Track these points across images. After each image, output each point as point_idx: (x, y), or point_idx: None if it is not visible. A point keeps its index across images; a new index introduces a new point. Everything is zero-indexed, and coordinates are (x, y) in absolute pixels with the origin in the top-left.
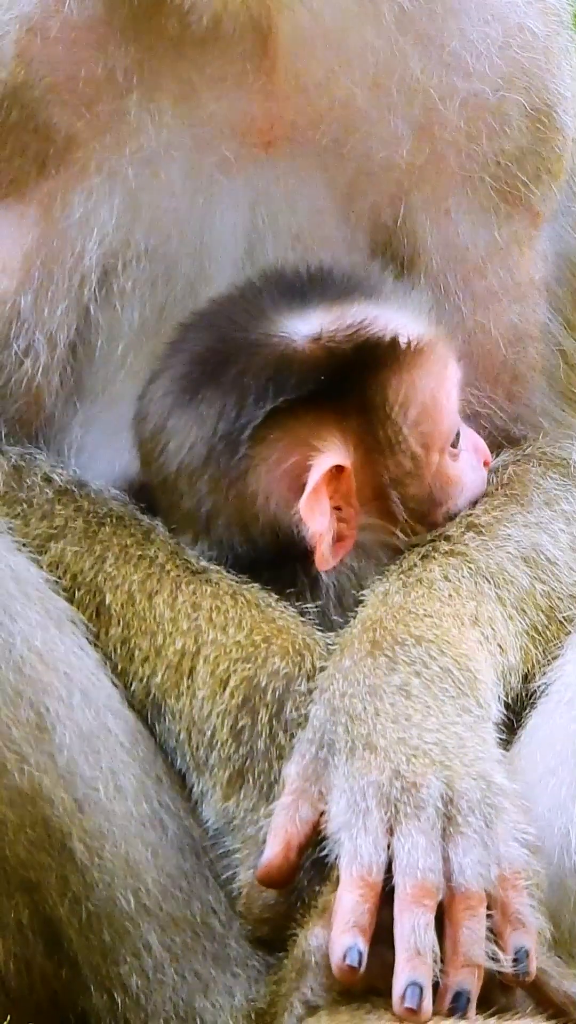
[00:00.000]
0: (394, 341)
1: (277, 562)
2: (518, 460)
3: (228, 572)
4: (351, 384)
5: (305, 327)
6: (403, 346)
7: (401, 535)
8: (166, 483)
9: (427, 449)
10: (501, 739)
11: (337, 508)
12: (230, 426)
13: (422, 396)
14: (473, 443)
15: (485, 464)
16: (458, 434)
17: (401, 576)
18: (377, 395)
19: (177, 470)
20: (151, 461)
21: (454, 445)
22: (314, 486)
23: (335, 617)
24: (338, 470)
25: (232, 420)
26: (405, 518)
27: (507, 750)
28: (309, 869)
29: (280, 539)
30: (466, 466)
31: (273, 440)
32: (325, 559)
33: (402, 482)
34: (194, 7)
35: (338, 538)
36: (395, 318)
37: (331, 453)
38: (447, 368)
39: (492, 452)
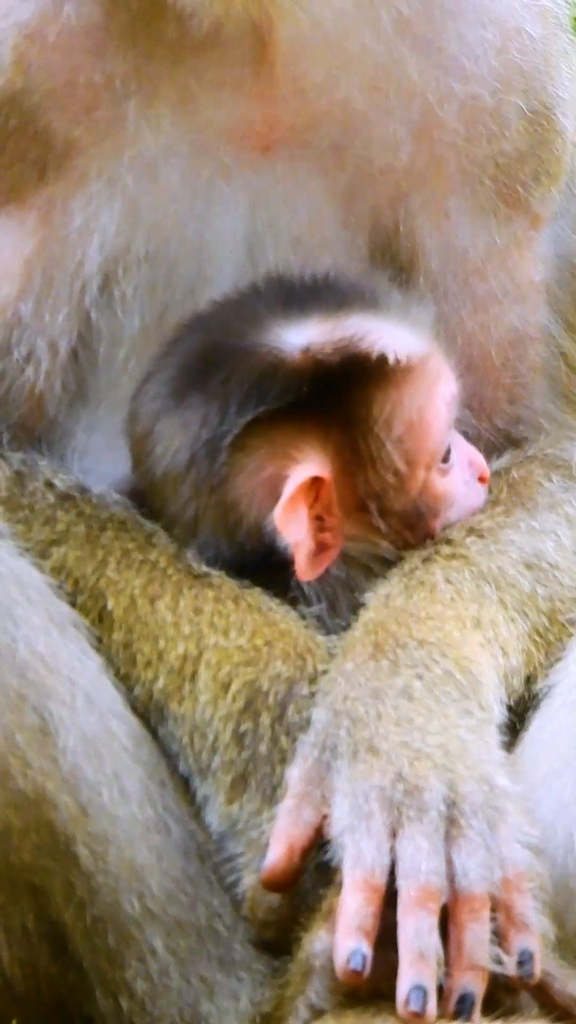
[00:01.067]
0: (382, 357)
1: (267, 568)
2: (520, 463)
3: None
4: (335, 397)
5: (296, 338)
6: (391, 363)
7: (388, 546)
8: (153, 487)
9: (411, 466)
10: (504, 741)
11: (319, 518)
12: (212, 433)
13: (408, 413)
14: (468, 457)
15: (482, 480)
16: (448, 448)
17: (403, 579)
18: (361, 409)
19: (163, 474)
20: (140, 464)
21: (444, 460)
22: (288, 497)
23: (332, 622)
24: (316, 481)
25: (214, 427)
26: (390, 530)
27: (510, 752)
28: (313, 872)
29: (265, 546)
30: (457, 481)
31: (253, 449)
32: (305, 569)
33: (385, 496)
34: (195, 12)
35: (322, 548)
36: (388, 333)
37: (308, 464)
38: (437, 386)
39: (493, 455)
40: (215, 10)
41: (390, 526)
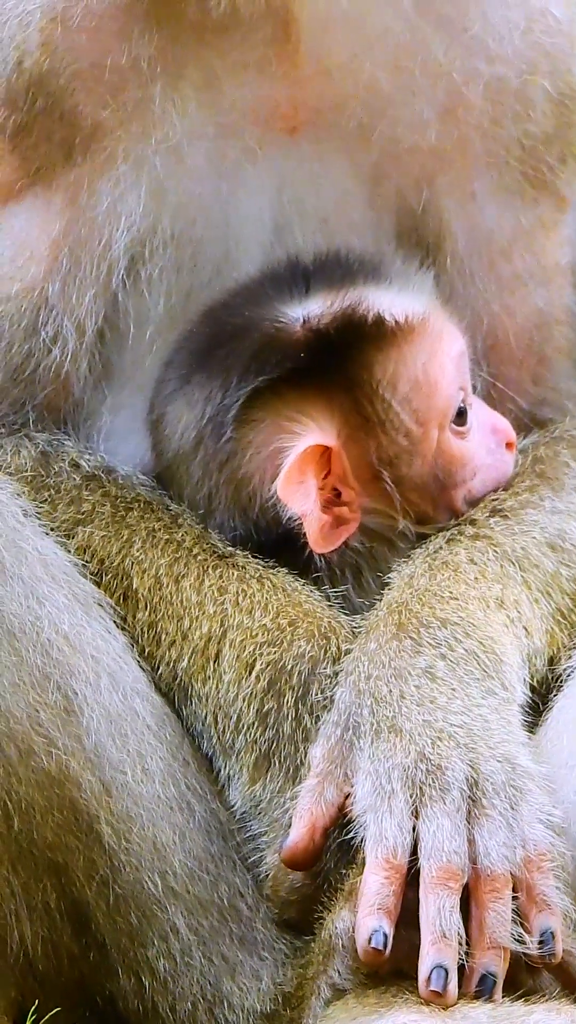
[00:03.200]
0: (378, 319)
1: (291, 547)
2: (547, 442)
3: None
4: (336, 363)
5: (296, 312)
6: (389, 324)
7: (403, 519)
8: (168, 470)
9: (422, 425)
10: (527, 722)
11: (336, 492)
12: (216, 409)
13: (412, 371)
14: (492, 424)
15: (509, 446)
16: (464, 412)
17: (427, 559)
18: (362, 372)
19: (174, 456)
20: (156, 447)
21: (460, 423)
22: (290, 466)
23: (357, 602)
24: (323, 451)
25: (217, 403)
26: (408, 502)
27: (533, 733)
28: (335, 851)
29: (280, 522)
30: (478, 446)
31: (257, 421)
32: (317, 541)
33: (401, 461)
34: None
35: (340, 521)
36: (387, 298)
37: (312, 434)
38: (442, 343)
39: (519, 435)
40: None
41: (408, 498)
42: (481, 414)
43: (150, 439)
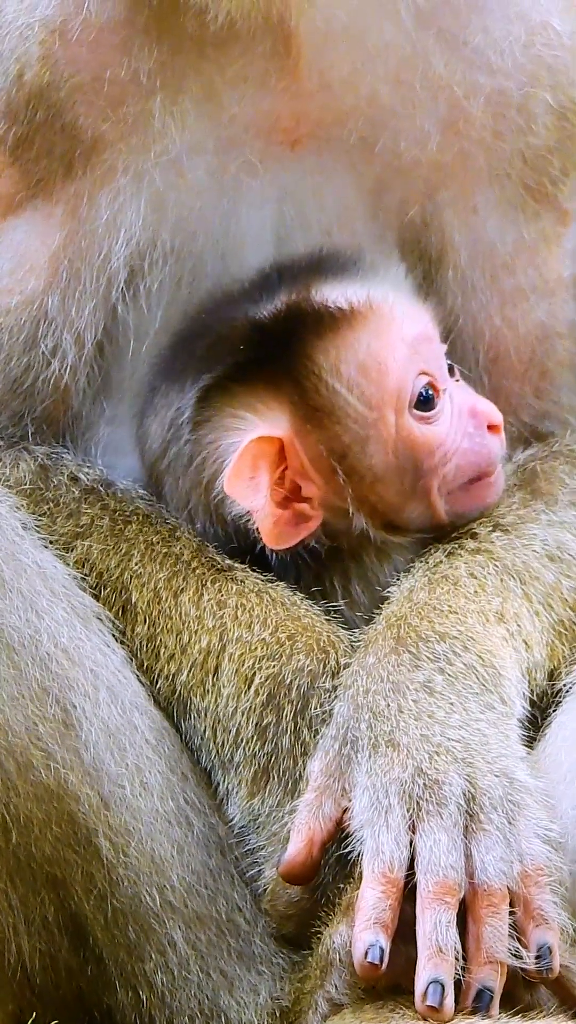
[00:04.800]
0: (320, 306)
1: (263, 552)
2: (545, 456)
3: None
4: (279, 355)
5: (247, 312)
6: (330, 309)
7: (361, 516)
8: (151, 481)
9: (375, 409)
10: (526, 736)
11: (297, 488)
12: (174, 414)
13: (357, 355)
14: (471, 406)
15: (492, 428)
16: (430, 398)
17: (426, 573)
18: (305, 360)
19: (151, 465)
20: (141, 461)
21: (425, 409)
22: (236, 460)
23: (355, 616)
24: (273, 443)
25: (175, 408)
26: (368, 495)
27: (532, 747)
28: (333, 866)
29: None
30: (451, 431)
31: (208, 421)
32: (270, 537)
33: (357, 449)
34: (207, 7)
35: (301, 518)
36: (335, 288)
37: (258, 426)
38: (392, 326)
39: (518, 448)
40: (227, 5)
41: (375, 491)
42: (459, 397)
43: (138, 459)
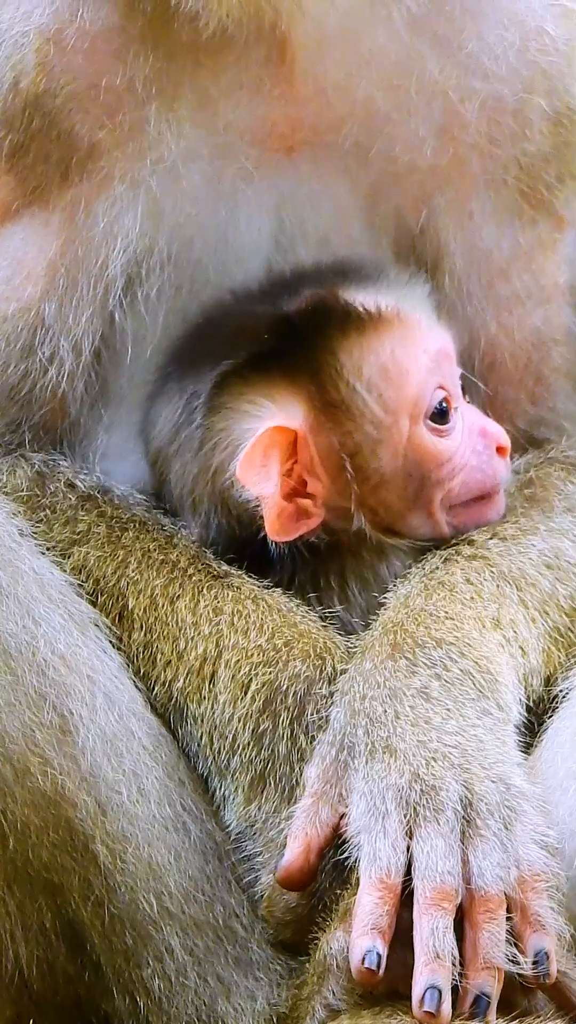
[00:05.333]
0: (347, 305)
1: (265, 544)
2: (540, 463)
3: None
4: (302, 348)
5: (272, 306)
6: (358, 310)
7: (362, 517)
8: (154, 469)
9: (391, 414)
10: (523, 742)
11: (304, 483)
12: (188, 398)
13: (380, 358)
14: (481, 427)
15: (500, 451)
16: (445, 411)
17: (423, 579)
18: (327, 356)
19: (156, 453)
20: (145, 450)
21: (440, 422)
22: (251, 446)
23: (352, 622)
24: (287, 435)
25: (191, 392)
26: (369, 495)
27: (529, 753)
28: (330, 872)
29: (257, 513)
30: (461, 447)
31: (224, 406)
32: (273, 527)
33: (367, 450)
34: (199, 14)
35: (303, 514)
36: (364, 292)
37: (275, 416)
38: (417, 335)
39: (515, 454)
40: (218, 12)
41: (378, 493)
42: (470, 417)
43: (142, 446)
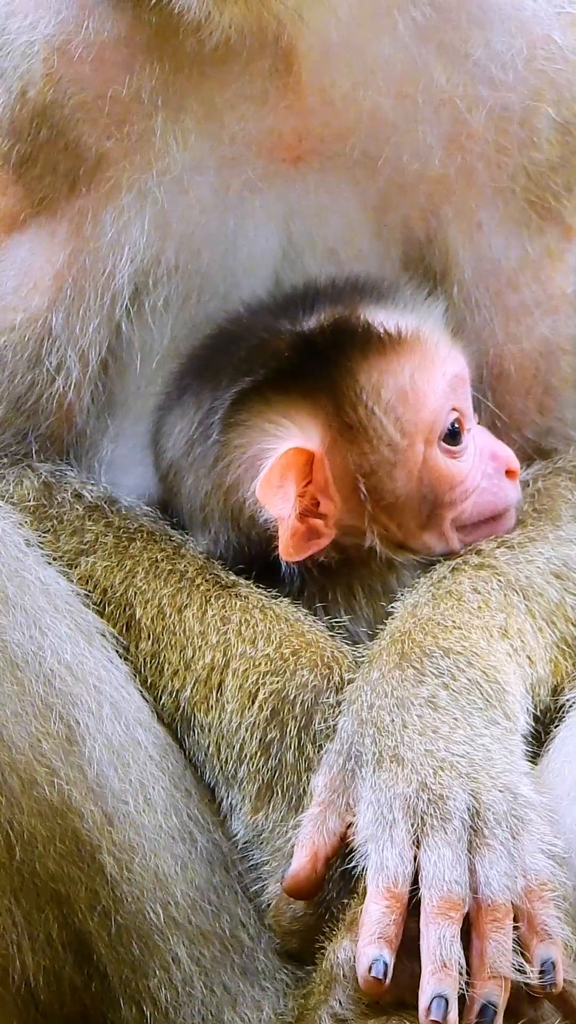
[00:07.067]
0: (368, 326)
1: (274, 560)
2: (548, 474)
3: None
4: (322, 368)
5: (291, 323)
6: (378, 331)
7: (374, 536)
8: (165, 482)
9: (407, 436)
10: (530, 752)
11: (316, 502)
12: (205, 413)
13: (399, 381)
14: (491, 450)
15: (510, 474)
16: (457, 433)
17: (431, 588)
18: (347, 377)
19: (168, 466)
20: (155, 463)
21: (453, 443)
22: (271, 467)
23: (359, 631)
24: (304, 456)
25: (207, 408)
26: (382, 515)
27: (536, 763)
28: (337, 881)
29: (268, 532)
30: (473, 469)
31: (242, 424)
32: (287, 548)
33: (383, 472)
34: (203, 25)
35: (314, 534)
36: (384, 312)
37: (295, 437)
38: (435, 359)
39: (522, 464)
40: (221, 23)
41: (391, 513)
42: (481, 440)
43: (152, 458)
